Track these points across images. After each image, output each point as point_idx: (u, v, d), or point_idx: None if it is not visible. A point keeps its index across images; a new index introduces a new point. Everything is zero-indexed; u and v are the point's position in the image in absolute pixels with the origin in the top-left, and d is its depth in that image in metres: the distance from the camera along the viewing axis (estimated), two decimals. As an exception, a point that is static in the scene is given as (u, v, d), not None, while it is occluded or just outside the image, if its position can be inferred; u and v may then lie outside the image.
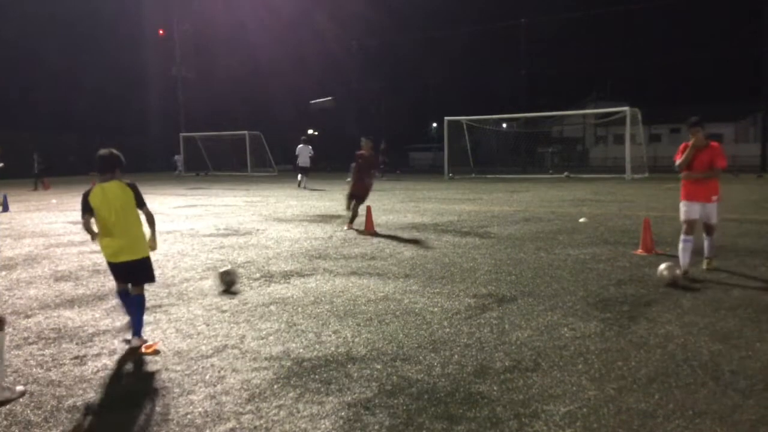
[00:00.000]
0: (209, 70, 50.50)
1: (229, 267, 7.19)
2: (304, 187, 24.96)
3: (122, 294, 5.08)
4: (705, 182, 7.06)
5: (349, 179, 12.22)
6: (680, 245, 7.11)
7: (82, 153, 40.59)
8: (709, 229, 7.27)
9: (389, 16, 52.55)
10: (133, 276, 4.99)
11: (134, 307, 4.98)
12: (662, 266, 6.68)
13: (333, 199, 19.47)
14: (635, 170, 28.29)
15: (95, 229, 4.89)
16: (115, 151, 5.00)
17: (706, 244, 7.34)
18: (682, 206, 7.22)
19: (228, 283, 6.92)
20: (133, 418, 3.62)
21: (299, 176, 25.77)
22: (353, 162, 11.94)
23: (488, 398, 3.80)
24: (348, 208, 12.04)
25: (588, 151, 54.51)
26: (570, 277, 7.16)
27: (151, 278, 5.08)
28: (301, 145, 26.04)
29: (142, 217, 5.00)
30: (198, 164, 42.62)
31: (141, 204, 4.94)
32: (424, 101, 57.48)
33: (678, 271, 6.63)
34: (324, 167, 40.49)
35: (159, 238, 10.72)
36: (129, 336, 5.00)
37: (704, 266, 7.33)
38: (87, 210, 4.84)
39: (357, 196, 11.85)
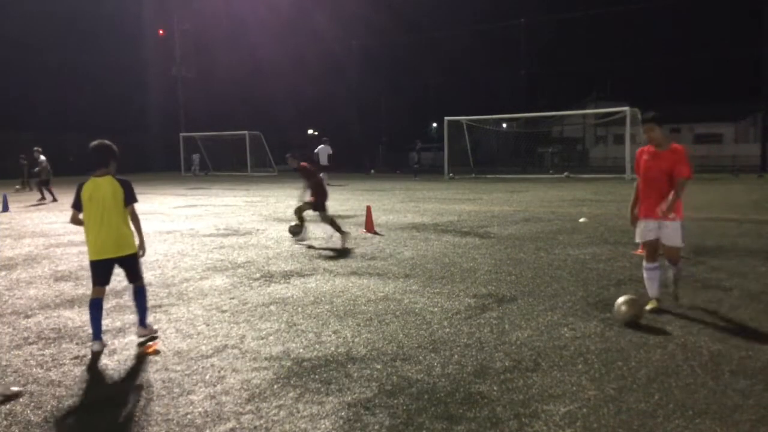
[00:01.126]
0: (209, 70, 50.51)
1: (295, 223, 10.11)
2: (328, 184, 26.09)
3: (96, 303, 4.82)
4: (659, 195, 5.51)
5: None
6: (644, 274, 5.80)
7: (82, 153, 40.71)
8: (670, 255, 5.68)
9: (389, 16, 52.54)
10: (125, 272, 5.05)
11: (138, 298, 5.10)
12: (621, 300, 5.36)
13: (333, 199, 19.46)
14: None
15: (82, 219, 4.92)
16: (107, 143, 4.97)
17: (671, 273, 5.85)
18: (638, 225, 5.80)
19: (293, 233, 10.47)
20: (134, 417, 3.62)
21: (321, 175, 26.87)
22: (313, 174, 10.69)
23: (488, 398, 3.80)
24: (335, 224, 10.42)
25: (588, 151, 54.51)
26: (570, 277, 7.16)
27: (138, 273, 5.11)
28: (321, 146, 27.35)
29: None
30: (198, 164, 42.66)
31: (128, 201, 4.91)
32: (424, 101, 57.48)
33: (637, 308, 5.28)
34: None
35: (159, 238, 10.81)
36: (96, 347, 4.78)
37: (672, 299, 5.83)
38: (77, 204, 4.85)
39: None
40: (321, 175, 28.57)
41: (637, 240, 5.84)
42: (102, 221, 4.78)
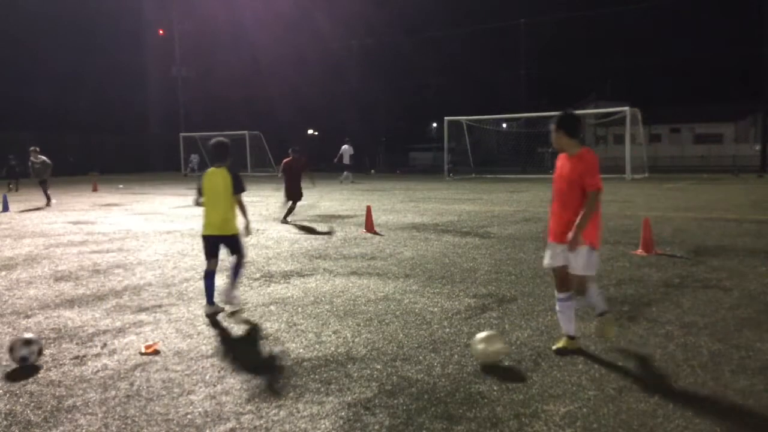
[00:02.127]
0: (209, 70, 50.50)
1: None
2: (352, 182, 28.72)
3: (209, 275, 5.82)
4: (566, 211, 4.51)
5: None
6: (556, 306, 4.76)
7: (82, 153, 40.73)
8: (576, 284, 4.62)
9: (389, 16, 52.53)
10: (227, 249, 5.91)
11: (234, 270, 5.89)
12: (479, 336, 4.42)
13: (333, 199, 19.47)
14: (635, 170, 28.28)
15: (201, 203, 5.93)
16: (225, 141, 5.97)
17: (582, 303, 4.75)
18: (547, 248, 4.76)
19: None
20: (133, 418, 3.61)
21: (344, 173, 29.58)
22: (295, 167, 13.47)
23: (488, 398, 3.80)
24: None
25: (588, 151, 54.42)
26: (570, 277, 7.15)
27: (239, 251, 5.91)
28: (345, 146, 29.05)
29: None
30: (197, 164, 42.64)
31: (236, 191, 5.82)
32: (424, 101, 57.46)
33: (499, 345, 4.37)
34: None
35: (159, 238, 10.82)
36: (208, 310, 5.76)
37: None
38: (200, 190, 5.89)
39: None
40: (344, 173, 31.08)
41: (545, 265, 4.77)
42: (213, 204, 5.79)
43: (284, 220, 13.15)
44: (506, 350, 4.48)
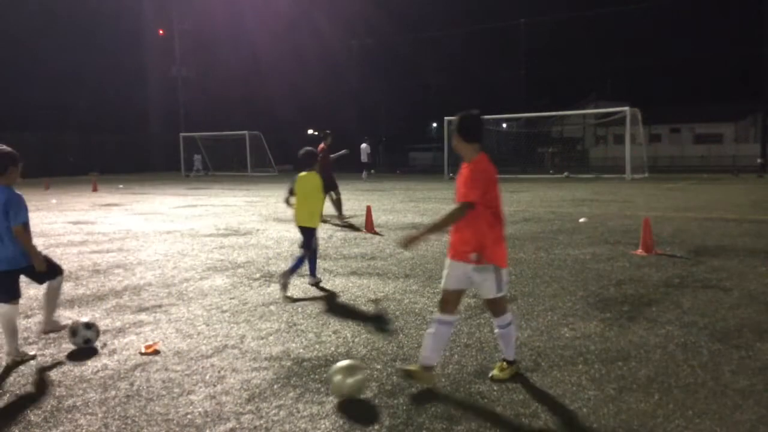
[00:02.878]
0: (209, 70, 50.51)
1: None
2: (364, 180, 29.79)
3: (311, 258, 6.97)
4: (460, 225, 4.02)
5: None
6: (429, 328, 4.08)
7: (82, 153, 40.75)
8: (491, 307, 4.11)
9: (389, 16, 52.57)
10: (302, 237, 6.91)
11: (297, 259, 6.79)
12: (340, 366, 3.85)
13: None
14: (635, 170, 28.28)
15: (292, 202, 6.98)
16: (312, 150, 7.09)
17: (497, 333, 4.16)
18: (445, 266, 4.22)
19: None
20: (133, 418, 3.62)
21: (363, 172, 30.82)
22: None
23: (488, 398, 3.80)
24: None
25: (588, 151, 54.50)
26: (570, 277, 7.16)
27: (307, 244, 6.85)
28: (363, 145, 30.14)
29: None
30: (201, 164, 42.67)
31: (326, 191, 6.80)
32: (424, 101, 57.49)
33: (357, 377, 3.78)
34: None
35: (159, 238, 10.83)
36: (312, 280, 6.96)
37: (495, 372, 4.12)
38: (291, 190, 6.92)
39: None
40: (364, 173, 31.96)
41: (442, 286, 4.15)
42: (303, 202, 6.84)
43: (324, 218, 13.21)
44: (364, 382, 3.86)
